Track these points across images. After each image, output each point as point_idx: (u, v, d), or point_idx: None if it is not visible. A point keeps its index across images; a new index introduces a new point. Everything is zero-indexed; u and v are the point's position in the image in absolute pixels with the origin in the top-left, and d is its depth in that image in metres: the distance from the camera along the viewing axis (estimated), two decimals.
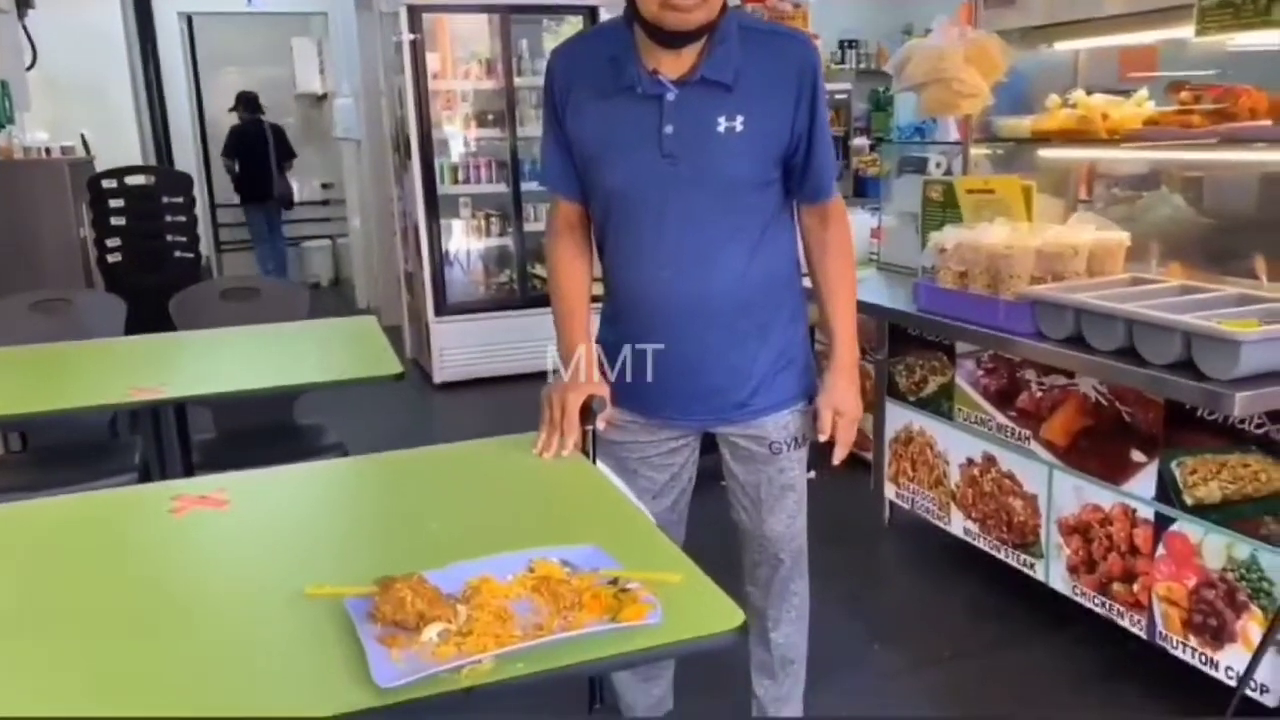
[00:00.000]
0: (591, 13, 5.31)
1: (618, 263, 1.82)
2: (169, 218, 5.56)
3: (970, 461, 2.93)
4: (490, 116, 5.50)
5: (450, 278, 5.49)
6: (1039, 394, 2.64)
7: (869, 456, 3.50)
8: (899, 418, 3.23)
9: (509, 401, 4.93)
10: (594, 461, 1.72)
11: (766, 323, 1.82)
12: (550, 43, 5.43)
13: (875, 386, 3.35)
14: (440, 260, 5.38)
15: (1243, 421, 2.08)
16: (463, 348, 5.40)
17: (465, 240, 5.63)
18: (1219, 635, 2.22)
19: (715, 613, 1.17)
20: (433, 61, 5.26)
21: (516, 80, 5.37)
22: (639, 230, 1.74)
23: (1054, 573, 2.68)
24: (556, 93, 1.75)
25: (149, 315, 3.07)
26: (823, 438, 1.87)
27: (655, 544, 1.36)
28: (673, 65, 1.64)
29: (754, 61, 1.65)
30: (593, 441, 1.74)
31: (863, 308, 3.15)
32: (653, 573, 1.23)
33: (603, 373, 1.82)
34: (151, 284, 4.54)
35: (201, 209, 7.03)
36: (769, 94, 1.66)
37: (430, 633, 1.10)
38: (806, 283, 1.90)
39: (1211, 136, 2.24)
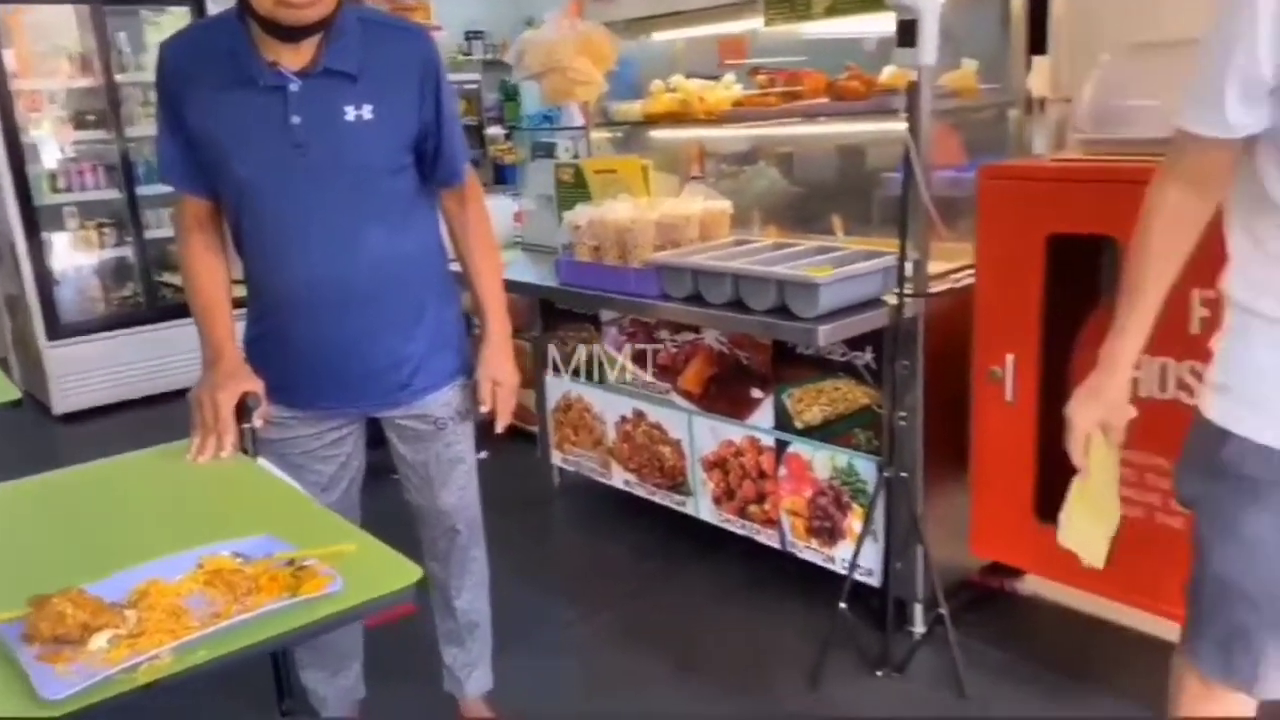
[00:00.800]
0: (198, 4, 5.00)
1: (258, 256, 1.80)
2: None
3: (623, 419, 3.19)
4: (91, 117, 5.00)
5: (61, 297, 4.95)
6: (674, 350, 2.94)
7: (535, 429, 3.68)
8: (557, 389, 3.43)
9: (150, 424, 4.56)
10: (255, 459, 1.70)
11: (419, 303, 1.89)
12: (154, 36, 5.04)
13: (533, 362, 3.53)
14: (47, 278, 4.83)
15: (831, 353, 2.48)
16: (86, 372, 4.90)
17: (76, 254, 5.09)
18: (833, 534, 2.64)
19: (394, 573, 1.24)
20: (8, 59, 4.69)
21: (119, 77, 4.93)
22: (276, 221, 1.74)
23: (702, 506, 3.01)
24: (172, 87, 1.70)
25: None
26: (484, 409, 1.98)
27: (327, 522, 1.40)
28: (293, 57, 1.66)
29: (377, 53, 1.72)
30: (252, 439, 1.73)
31: (513, 287, 3.30)
32: (328, 547, 1.27)
33: (253, 369, 1.80)
34: None
35: None
36: (395, 84, 1.73)
37: (98, 641, 1.07)
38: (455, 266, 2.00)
39: (784, 114, 2.62)
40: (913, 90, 2.08)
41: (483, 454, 4.23)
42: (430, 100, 1.76)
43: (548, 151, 3.47)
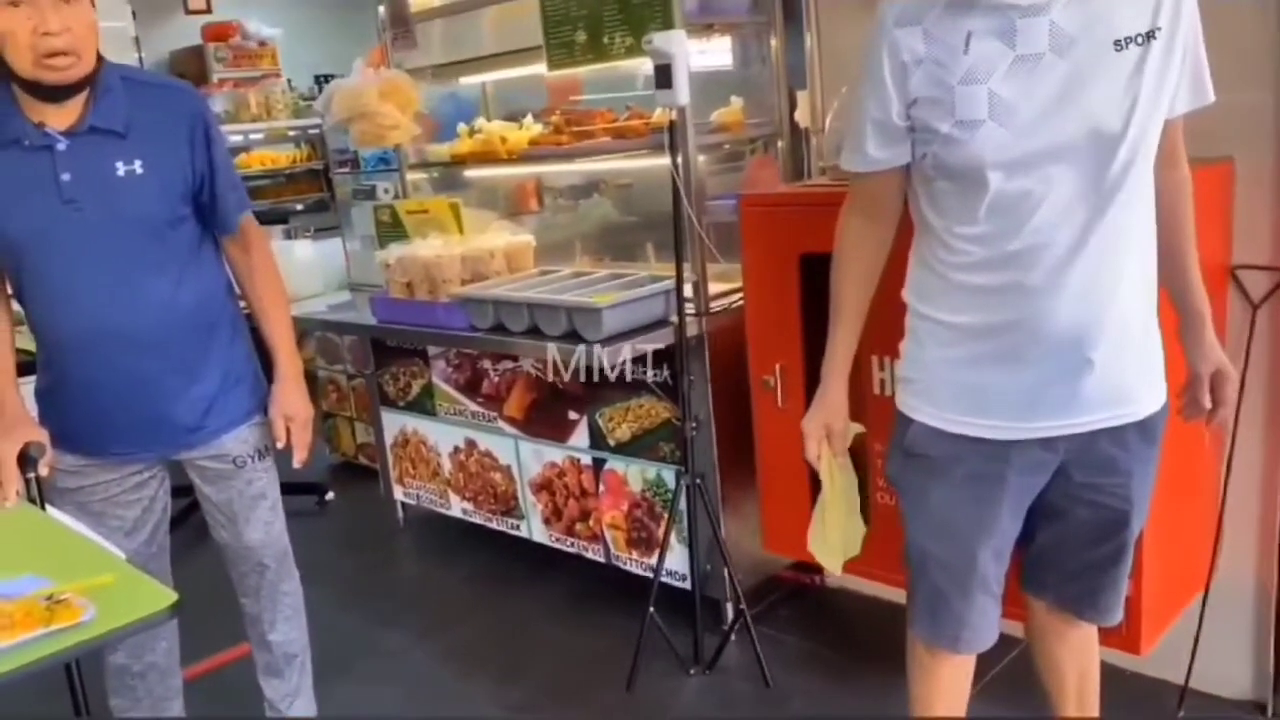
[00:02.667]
0: None
1: (39, 310, 1.86)
2: None
3: (457, 449, 3.29)
4: None
5: None
6: (497, 379, 3.06)
7: (377, 466, 3.74)
8: (394, 423, 3.51)
9: None
10: (44, 508, 1.75)
11: (207, 346, 1.96)
12: None
13: (370, 399, 3.60)
14: None
15: (634, 373, 2.64)
16: None
17: None
18: (650, 544, 2.79)
19: (149, 600, 1.33)
20: None
21: None
22: (53, 276, 1.80)
23: (534, 528, 3.12)
24: None
25: None
26: (279, 445, 2.05)
27: (95, 557, 1.47)
28: (59, 117, 1.74)
29: (143, 111, 1.80)
30: (39, 488, 1.77)
31: (335, 327, 3.40)
32: (86, 580, 1.35)
33: (42, 421, 1.85)
34: None
35: None
36: (163, 139, 1.82)
37: None
38: None
39: (573, 153, 2.80)
40: (673, 128, 2.27)
41: (330, 495, 4.25)
42: (201, 152, 1.86)
43: (370, 194, 3.57)
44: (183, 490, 2.16)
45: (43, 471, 1.78)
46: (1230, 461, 2.09)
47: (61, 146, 1.73)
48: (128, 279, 1.82)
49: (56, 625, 1.24)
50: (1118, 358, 1.43)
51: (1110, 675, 1.86)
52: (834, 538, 1.78)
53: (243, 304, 2.09)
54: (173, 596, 1.34)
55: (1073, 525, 1.57)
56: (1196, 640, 2.16)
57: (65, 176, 1.74)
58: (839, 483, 1.72)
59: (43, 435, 1.79)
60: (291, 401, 2.04)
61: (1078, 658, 1.75)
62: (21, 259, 1.80)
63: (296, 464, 2.07)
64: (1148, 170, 1.41)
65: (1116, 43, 1.33)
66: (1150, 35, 1.34)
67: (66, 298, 1.81)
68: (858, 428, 1.72)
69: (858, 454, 1.77)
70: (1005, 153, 1.36)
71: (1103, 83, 1.34)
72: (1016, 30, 1.35)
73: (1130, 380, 1.46)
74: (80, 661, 1.70)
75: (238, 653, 2.59)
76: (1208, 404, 1.58)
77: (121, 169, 1.78)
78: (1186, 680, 2.18)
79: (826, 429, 1.67)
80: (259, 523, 2.11)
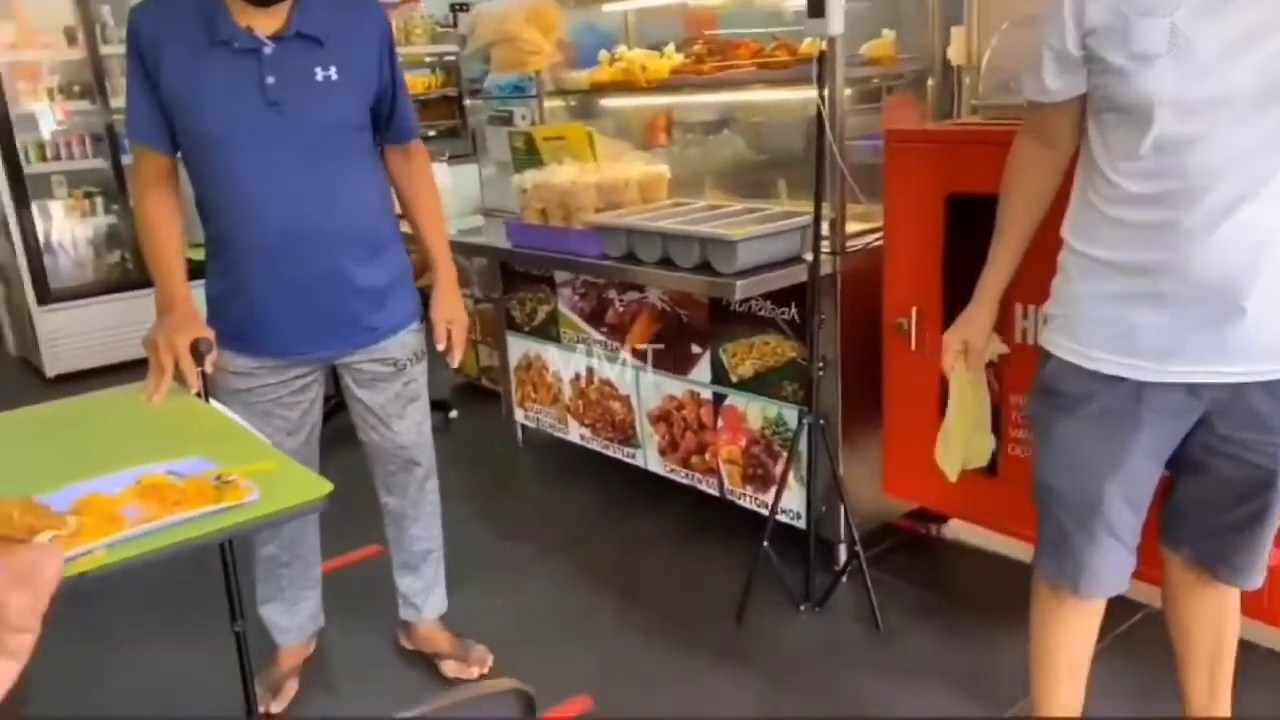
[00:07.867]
0: None
1: (229, 211, 1.93)
2: None
3: (578, 376, 3.35)
4: (78, 88, 5.15)
5: (52, 263, 5.11)
6: (621, 309, 3.09)
7: (499, 388, 3.85)
8: (519, 348, 3.59)
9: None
10: (208, 402, 1.86)
11: (379, 250, 2.04)
12: None
13: (497, 322, 3.69)
14: (37, 245, 4.99)
15: (760, 309, 2.63)
16: (77, 335, 5.07)
17: (65, 221, 5.25)
18: (766, 481, 2.80)
19: (307, 488, 1.41)
20: (7, 31, 4.85)
21: (104, 49, 5.06)
22: (249, 177, 1.88)
23: (650, 458, 3.17)
24: (144, 50, 1.84)
25: None
26: (440, 347, 2.14)
27: (254, 446, 1.57)
28: (265, 23, 1.82)
29: (340, 20, 1.89)
30: (204, 384, 1.88)
31: (471, 250, 3.47)
32: (250, 465, 1.44)
33: (218, 323, 1.95)
34: None
35: None
36: (356, 48, 1.91)
37: (41, 539, 1.24)
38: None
39: (714, 82, 2.77)
40: (823, 59, 2.22)
41: (454, 413, 4.39)
42: (387, 64, 1.97)
43: (506, 120, 3.62)
44: None
45: (208, 368, 1.88)
46: None
47: (268, 50, 1.82)
48: (320, 180, 1.91)
49: (225, 503, 1.34)
50: (1276, 310, 1.36)
51: (1248, 652, 1.79)
52: (957, 446, 1.80)
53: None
54: (328, 486, 1.41)
55: (1214, 481, 1.52)
56: None
57: (270, 79, 1.82)
58: (968, 397, 1.74)
59: (210, 332, 1.89)
60: (453, 306, 2.13)
61: (1212, 621, 1.69)
62: (216, 159, 1.88)
63: (454, 364, 2.17)
64: None
65: None
66: None
67: (261, 199, 1.89)
68: (1001, 347, 1.72)
69: (996, 373, 1.77)
70: (1176, 91, 1.31)
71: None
72: None
73: None
74: (234, 546, 1.83)
75: (366, 553, 2.74)
76: None
77: (320, 74, 1.86)
78: None
79: (966, 344, 1.68)
80: (412, 422, 2.22)
